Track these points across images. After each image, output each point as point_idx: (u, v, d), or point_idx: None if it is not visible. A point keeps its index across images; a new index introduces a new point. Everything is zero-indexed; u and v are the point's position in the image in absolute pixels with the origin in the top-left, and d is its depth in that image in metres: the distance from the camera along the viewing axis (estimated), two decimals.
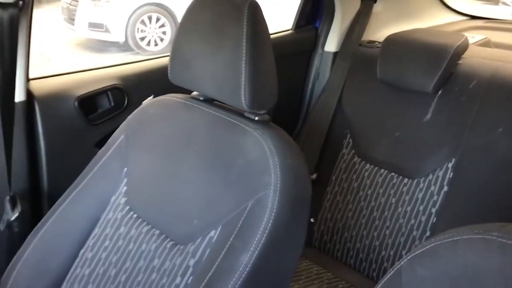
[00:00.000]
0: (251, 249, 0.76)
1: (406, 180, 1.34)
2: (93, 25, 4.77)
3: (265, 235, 0.76)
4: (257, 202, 0.78)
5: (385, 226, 1.36)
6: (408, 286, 0.56)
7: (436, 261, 0.54)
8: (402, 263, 0.58)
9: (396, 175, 1.37)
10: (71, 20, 4.90)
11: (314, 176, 1.51)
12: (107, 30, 4.79)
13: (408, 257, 0.57)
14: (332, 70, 1.62)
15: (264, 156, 0.81)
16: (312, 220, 1.50)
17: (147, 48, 4.87)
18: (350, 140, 1.49)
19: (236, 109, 0.91)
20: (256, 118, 0.87)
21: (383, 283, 0.59)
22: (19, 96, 1.04)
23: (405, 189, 1.34)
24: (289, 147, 0.83)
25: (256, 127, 0.85)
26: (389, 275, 0.59)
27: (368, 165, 1.43)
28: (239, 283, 0.75)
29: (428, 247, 0.56)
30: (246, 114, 0.89)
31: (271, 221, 0.77)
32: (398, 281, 0.57)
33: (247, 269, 0.75)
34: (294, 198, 0.79)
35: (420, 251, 0.57)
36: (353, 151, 1.47)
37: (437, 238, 0.55)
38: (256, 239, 0.76)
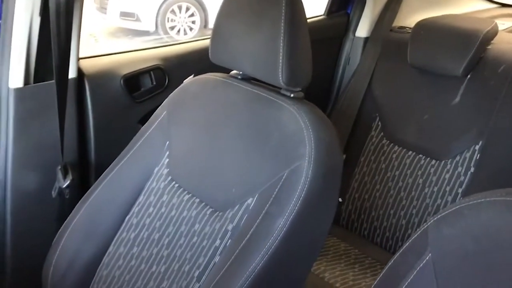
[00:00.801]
0: (286, 214, 0.81)
1: (433, 161, 1.38)
2: (125, 14, 4.87)
3: (299, 201, 0.81)
4: (292, 171, 0.84)
5: (412, 205, 1.39)
6: (434, 244, 0.60)
7: (460, 221, 0.59)
8: (429, 223, 0.62)
9: (424, 156, 1.40)
10: (103, 9, 5.01)
11: (343, 157, 1.56)
12: (138, 19, 4.88)
13: (435, 218, 0.62)
14: (362, 55, 1.66)
15: (299, 129, 0.86)
16: (340, 199, 1.54)
17: (177, 37, 4.94)
18: (379, 123, 1.52)
19: (273, 88, 0.96)
20: (292, 95, 0.92)
21: (410, 242, 0.64)
22: (72, 73, 1.11)
23: (432, 170, 1.38)
24: (323, 122, 0.88)
25: (292, 103, 0.90)
26: (416, 235, 0.63)
27: (396, 147, 1.46)
28: (274, 245, 0.80)
29: (453, 209, 0.60)
30: (282, 91, 0.94)
31: (305, 189, 0.82)
32: (425, 239, 0.62)
33: (282, 233, 0.81)
34: (326, 168, 0.84)
35: (446, 212, 0.61)
36: (381, 133, 1.51)
37: (462, 201, 0.60)
38: (291, 205, 0.81)
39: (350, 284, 1.28)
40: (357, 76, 1.62)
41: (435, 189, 1.36)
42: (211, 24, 4.77)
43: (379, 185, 1.47)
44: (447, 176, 1.34)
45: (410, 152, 1.43)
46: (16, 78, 1.07)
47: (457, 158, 1.33)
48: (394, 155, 1.46)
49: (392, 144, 1.48)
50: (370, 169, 1.50)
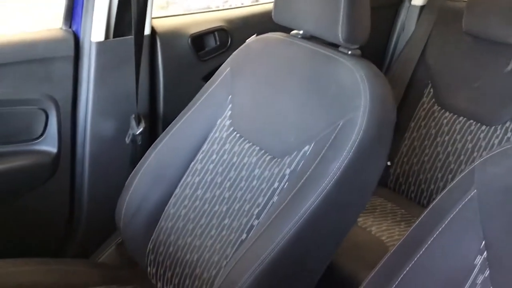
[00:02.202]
0: (341, 159, 0.87)
1: (484, 127, 1.39)
2: None
3: (353, 148, 0.87)
4: (348, 121, 0.89)
5: (459, 169, 1.42)
6: (479, 181, 0.65)
7: (506, 160, 0.63)
8: (475, 164, 0.67)
9: (474, 122, 1.42)
10: None
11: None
12: None
13: (482, 159, 0.67)
14: (417, 24, 1.67)
15: (355, 83, 0.91)
16: (388, 163, 1.59)
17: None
18: (431, 90, 1.54)
19: (331, 46, 1.01)
20: (349, 52, 0.97)
21: (457, 180, 0.68)
22: (146, 30, 1.21)
23: (482, 135, 1.39)
24: (378, 76, 0.93)
25: (349, 59, 0.95)
26: (462, 174, 0.68)
27: (447, 113, 1.48)
28: (328, 187, 0.87)
29: (500, 149, 0.65)
30: (341, 49, 0.99)
31: (359, 137, 0.87)
32: (471, 177, 0.66)
33: (336, 176, 0.87)
34: (380, 119, 0.90)
35: (493, 153, 0.66)
36: (433, 100, 1.53)
37: (507, 143, 0.64)
38: (346, 150, 0.87)
39: (395, 238, 1.33)
40: (411, 44, 1.64)
41: (484, 153, 1.38)
42: None
43: (428, 150, 1.50)
44: (496, 141, 1.36)
45: (461, 118, 1.45)
46: (98, 33, 1.17)
47: (507, 124, 1.35)
48: (445, 121, 1.49)
49: (443, 110, 1.50)
50: (420, 135, 1.53)
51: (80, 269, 1.18)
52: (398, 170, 1.56)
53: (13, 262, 1.10)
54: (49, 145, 1.25)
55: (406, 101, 1.61)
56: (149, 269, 1.11)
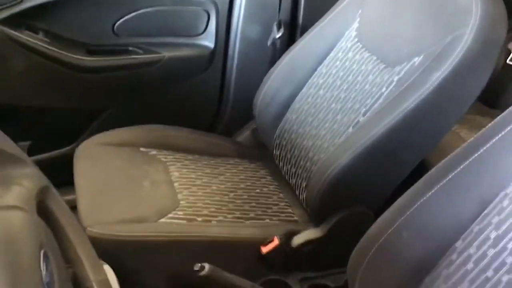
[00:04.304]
0: (443, 69, 0.95)
1: None
2: None
3: (455, 61, 0.94)
4: (456, 36, 0.96)
5: None
6: None
7: None
8: None
9: None
10: None
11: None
12: None
13: None
14: None
15: (469, 3, 0.96)
16: None
17: None
18: None
19: None
20: None
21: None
22: None
23: None
24: (495, 2, 0.96)
25: None
26: None
27: None
28: (426, 93, 0.96)
29: None
30: None
31: (463, 51, 0.94)
32: None
33: (436, 84, 0.95)
34: (486, 38, 0.94)
35: None
36: None
37: None
38: (448, 63, 0.95)
39: None
40: None
41: None
42: None
43: None
44: None
45: None
46: None
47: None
48: None
49: None
50: None
51: (222, 143, 1.45)
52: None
53: (172, 128, 1.39)
54: (208, 40, 1.49)
55: None
56: (274, 151, 1.32)
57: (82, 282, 0.54)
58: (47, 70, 1.35)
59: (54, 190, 0.56)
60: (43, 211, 0.52)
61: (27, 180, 0.51)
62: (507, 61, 1.53)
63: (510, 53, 1.53)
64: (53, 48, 1.34)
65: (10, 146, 0.54)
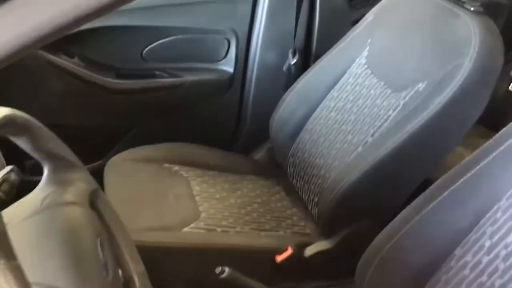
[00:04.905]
0: (444, 94, 1.03)
1: None
2: None
3: (456, 87, 1.02)
4: (456, 66, 1.05)
5: None
6: None
7: None
8: None
9: None
10: None
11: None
12: None
13: None
14: None
15: (468, 34, 1.05)
16: None
17: None
18: None
19: (459, 3, 1.14)
20: (472, 9, 1.10)
21: None
22: None
23: None
24: (490, 31, 1.05)
25: (470, 14, 1.09)
26: None
27: None
28: (428, 117, 1.04)
29: None
30: (465, 5, 1.12)
31: (463, 79, 1.02)
32: None
33: (437, 108, 1.04)
34: (485, 67, 1.03)
35: None
36: None
37: None
38: (448, 89, 1.03)
39: None
40: None
41: None
42: None
43: None
44: None
45: None
46: None
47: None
48: None
49: None
50: None
51: (239, 161, 1.53)
52: None
53: (194, 146, 1.48)
54: (228, 66, 1.60)
55: None
56: (288, 169, 1.40)
57: (124, 272, 0.62)
58: (81, 91, 1.46)
59: (102, 193, 0.64)
60: (94, 209, 0.61)
61: (82, 182, 0.60)
62: (509, 88, 1.61)
63: None
64: (87, 72, 1.46)
65: (69, 154, 0.63)
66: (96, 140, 1.55)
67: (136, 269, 0.63)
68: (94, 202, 0.60)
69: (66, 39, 1.42)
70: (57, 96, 1.43)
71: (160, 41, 1.52)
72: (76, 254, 0.47)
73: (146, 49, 1.52)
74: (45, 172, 0.59)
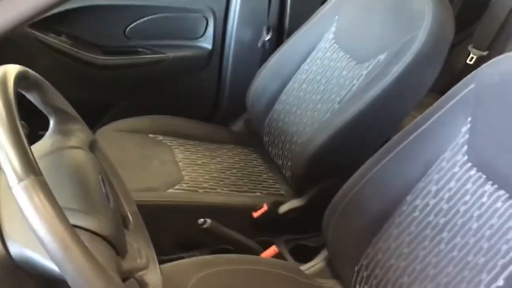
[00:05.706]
0: (401, 63, 1.14)
1: None
2: None
3: (412, 56, 1.13)
4: (412, 37, 1.14)
5: None
6: (478, 78, 0.90)
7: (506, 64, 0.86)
8: (478, 69, 0.91)
9: None
10: None
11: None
12: None
13: (486, 64, 0.91)
14: None
15: (422, 8, 1.15)
16: None
17: None
18: None
19: None
20: None
21: (463, 80, 0.93)
22: None
23: None
24: (443, 5, 1.15)
25: None
26: (467, 77, 0.93)
27: None
28: (388, 83, 1.15)
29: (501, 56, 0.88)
30: None
31: (418, 49, 1.12)
32: (472, 76, 0.91)
33: (396, 75, 1.13)
34: (437, 36, 1.13)
35: (495, 59, 0.89)
36: None
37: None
38: (405, 58, 1.13)
39: None
40: None
41: None
42: None
43: None
44: None
45: None
46: None
47: None
48: None
49: None
50: None
51: (219, 131, 1.63)
52: None
53: (176, 118, 1.57)
54: (207, 43, 1.68)
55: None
56: (264, 138, 1.51)
57: (119, 211, 0.72)
58: (69, 68, 1.54)
59: (99, 143, 0.74)
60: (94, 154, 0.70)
61: (82, 133, 0.69)
62: (467, 61, 1.73)
63: (470, 54, 1.72)
64: (74, 49, 1.53)
65: (71, 109, 0.72)
66: (84, 113, 1.61)
67: (130, 209, 0.72)
68: (93, 150, 0.69)
69: (53, 18, 1.50)
70: (46, 72, 1.49)
71: (142, 20, 1.59)
72: (84, 185, 0.57)
73: (129, 27, 1.59)
74: (51, 123, 0.68)
